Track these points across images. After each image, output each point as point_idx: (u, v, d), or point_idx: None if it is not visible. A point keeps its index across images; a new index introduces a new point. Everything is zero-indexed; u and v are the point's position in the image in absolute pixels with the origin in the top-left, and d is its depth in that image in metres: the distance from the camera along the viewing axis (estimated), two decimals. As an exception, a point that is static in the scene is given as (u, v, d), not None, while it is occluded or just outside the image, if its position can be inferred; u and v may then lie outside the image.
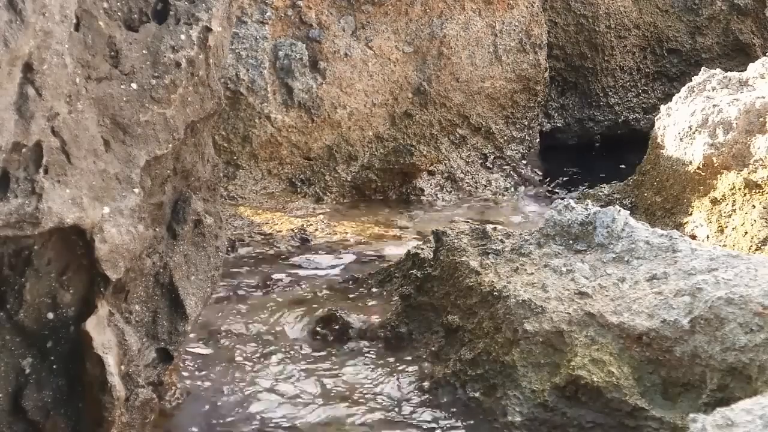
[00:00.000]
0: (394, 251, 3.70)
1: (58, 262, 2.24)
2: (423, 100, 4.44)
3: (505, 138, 4.62)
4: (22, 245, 2.19)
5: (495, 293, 2.65)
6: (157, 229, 2.41)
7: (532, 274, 2.68)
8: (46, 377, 2.27)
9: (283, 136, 4.23)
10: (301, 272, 3.55)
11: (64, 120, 2.14)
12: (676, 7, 5.14)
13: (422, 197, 4.28)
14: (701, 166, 3.66)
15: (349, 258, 3.68)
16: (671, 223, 3.71)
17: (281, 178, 4.25)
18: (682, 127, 3.74)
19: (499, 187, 4.52)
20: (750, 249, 3.45)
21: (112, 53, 2.25)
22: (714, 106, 3.65)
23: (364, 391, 2.78)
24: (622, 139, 5.04)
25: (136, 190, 2.27)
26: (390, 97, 4.39)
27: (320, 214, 4.09)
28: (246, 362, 2.94)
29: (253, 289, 3.41)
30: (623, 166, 4.45)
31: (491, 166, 4.58)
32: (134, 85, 2.27)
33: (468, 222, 3.97)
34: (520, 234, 2.85)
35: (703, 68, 3.96)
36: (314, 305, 3.24)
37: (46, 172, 2.11)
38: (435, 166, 4.35)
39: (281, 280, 3.48)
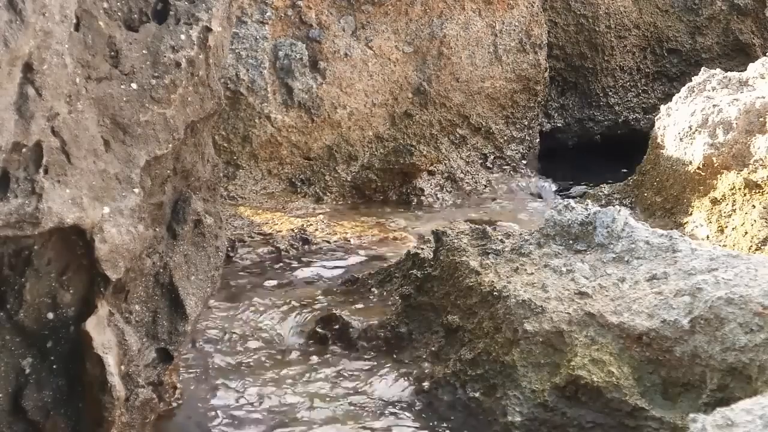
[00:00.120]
0: (394, 251, 3.70)
1: (58, 262, 2.24)
2: (423, 100, 4.44)
3: (505, 138, 4.62)
4: (22, 245, 2.19)
5: (495, 293, 2.65)
6: (157, 229, 2.41)
7: (532, 274, 2.68)
8: (46, 377, 2.27)
9: (283, 136, 4.23)
10: (301, 272, 3.55)
11: (64, 120, 2.14)
12: (676, 7, 5.14)
13: (422, 197, 4.28)
14: (701, 166, 3.66)
15: (348, 258, 3.68)
16: (671, 223, 3.72)
17: (281, 178, 4.25)
18: (682, 127, 3.74)
19: (499, 187, 4.52)
20: (750, 249, 3.45)
21: (112, 53, 2.25)
22: (714, 106, 3.65)
23: (364, 392, 2.78)
24: (622, 139, 5.05)
25: (136, 190, 2.27)
26: (390, 97, 4.39)
27: (320, 214, 4.09)
28: (246, 363, 2.94)
29: (253, 290, 3.41)
30: (623, 166, 4.45)
31: (491, 166, 4.58)
32: (134, 85, 2.27)
33: (468, 222, 3.97)
34: (520, 234, 2.86)
35: (703, 68, 3.96)
36: (314, 305, 3.24)
37: (46, 172, 2.11)
38: (435, 166, 4.35)
39: (281, 280, 3.49)
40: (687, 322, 2.40)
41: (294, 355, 2.97)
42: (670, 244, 2.65)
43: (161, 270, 2.44)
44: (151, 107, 2.29)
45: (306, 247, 3.70)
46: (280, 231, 3.82)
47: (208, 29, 2.37)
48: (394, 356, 2.87)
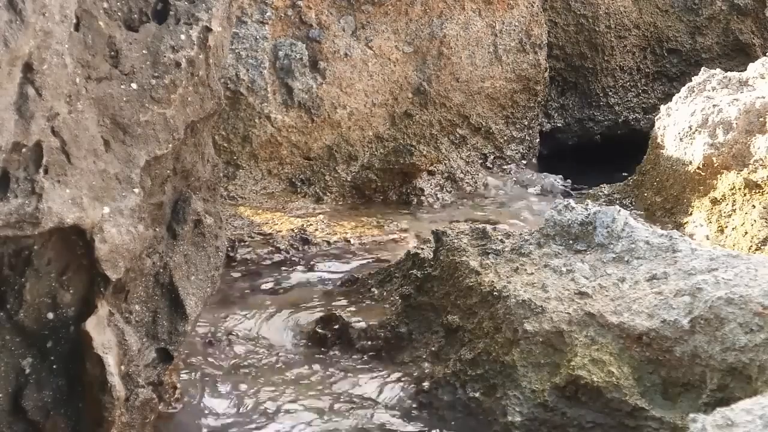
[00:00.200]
0: (394, 251, 3.70)
1: (58, 262, 2.24)
2: (423, 100, 4.44)
3: (505, 138, 4.62)
4: (22, 245, 2.19)
5: (495, 293, 2.65)
6: (157, 229, 2.41)
7: (532, 274, 2.67)
8: (46, 377, 2.27)
9: (283, 136, 4.23)
10: (301, 272, 3.55)
11: (64, 120, 2.14)
12: (676, 7, 5.14)
13: (422, 197, 4.28)
14: (701, 166, 3.66)
15: (348, 258, 3.68)
16: (671, 223, 3.72)
17: (281, 178, 4.25)
18: (682, 127, 3.74)
19: (499, 187, 4.52)
20: (750, 249, 3.45)
21: (112, 53, 2.25)
22: (714, 106, 3.65)
23: (364, 393, 2.78)
24: (622, 139, 5.05)
25: (136, 190, 2.27)
26: (390, 97, 4.39)
27: (320, 214, 4.09)
28: (246, 363, 2.94)
29: (253, 290, 3.41)
30: (623, 166, 4.45)
31: (491, 166, 4.58)
32: (134, 85, 2.27)
33: (468, 222, 3.97)
34: (520, 234, 2.85)
35: (703, 68, 3.97)
36: (314, 305, 3.24)
37: (46, 172, 2.11)
38: (435, 166, 4.35)
39: (280, 280, 3.48)
40: (687, 322, 2.40)
41: (294, 355, 2.97)
42: (670, 244, 2.65)
43: (161, 270, 2.44)
44: (151, 107, 2.29)
45: (306, 247, 3.70)
46: (280, 231, 3.82)
47: (208, 29, 2.37)
48: (394, 356, 2.87)
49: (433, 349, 2.81)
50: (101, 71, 2.23)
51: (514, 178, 4.57)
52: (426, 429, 2.64)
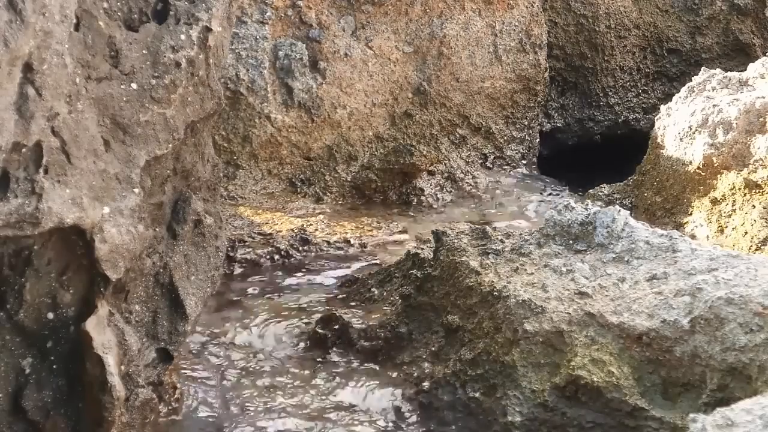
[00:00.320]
0: (394, 251, 3.70)
1: (58, 262, 2.24)
2: (423, 100, 4.44)
3: (505, 138, 4.62)
4: (22, 245, 2.19)
5: (495, 293, 2.65)
6: (157, 229, 2.41)
7: (532, 274, 2.67)
8: (46, 377, 2.27)
9: (283, 136, 4.23)
10: (301, 272, 3.55)
11: (64, 120, 2.14)
12: (676, 7, 5.14)
13: (422, 197, 4.28)
14: (701, 166, 3.66)
15: (348, 258, 3.68)
16: (671, 223, 3.71)
17: (281, 178, 4.25)
18: (682, 127, 3.74)
19: (499, 187, 4.52)
20: (750, 249, 3.45)
21: (112, 53, 2.25)
22: (714, 106, 3.65)
23: (364, 393, 2.77)
24: (622, 139, 5.04)
25: (136, 190, 2.27)
26: (390, 97, 4.39)
27: (320, 214, 4.09)
28: (246, 363, 2.94)
29: (253, 290, 3.41)
30: (623, 166, 4.45)
31: (491, 166, 4.58)
32: (134, 85, 2.27)
33: (468, 222, 3.97)
34: (520, 234, 2.85)
35: (703, 68, 3.96)
36: (314, 305, 3.24)
37: (46, 172, 2.11)
38: (435, 166, 4.35)
39: (280, 280, 3.48)
40: (687, 322, 2.40)
41: (294, 355, 2.97)
42: (670, 244, 2.65)
43: (161, 270, 2.44)
44: (151, 107, 2.29)
45: (306, 247, 3.69)
46: (280, 231, 3.81)
47: (208, 29, 2.37)
48: (394, 356, 2.87)
49: (433, 349, 2.81)
50: (101, 71, 2.23)
51: (514, 178, 4.57)
52: (426, 429, 2.64)
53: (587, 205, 2.83)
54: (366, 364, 2.88)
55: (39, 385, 2.26)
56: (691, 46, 5.16)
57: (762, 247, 3.44)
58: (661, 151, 3.87)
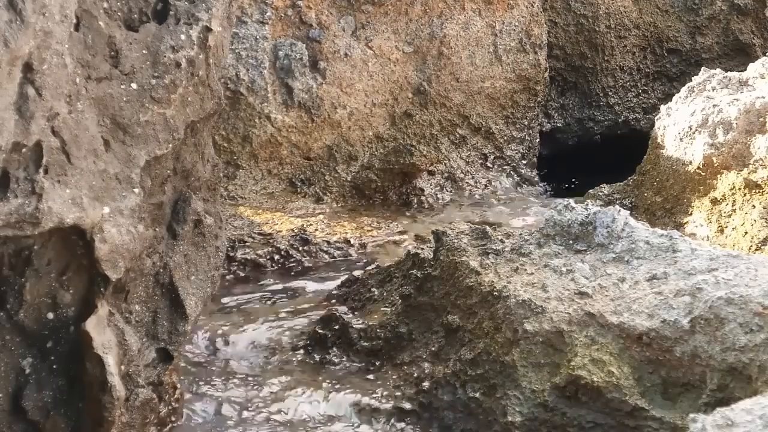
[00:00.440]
0: (394, 251, 3.70)
1: (58, 262, 2.24)
2: (423, 100, 4.44)
3: (505, 138, 4.62)
4: (22, 245, 2.19)
5: (495, 293, 2.65)
6: (157, 229, 2.41)
7: (532, 274, 2.67)
8: (46, 377, 2.27)
9: (283, 136, 4.23)
10: (301, 272, 3.55)
11: (64, 120, 2.14)
12: (676, 7, 5.14)
13: (422, 197, 4.28)
14: (701, 166, 3.66)
15: (348, 258, 3.68)
16: (671, 223, 3.71)
17: (281, 178, 4.25)
18: (682, 127, 3.74)
19: (499, 187, 4.52)
20: (750, 249, 3.45)
21: (112, 53, 2.25)
22: (714, 106, 3.65)
23: (364, 393, 2.77)
24: (622, 139, 5.04)
25: (136, 190, 2.27)
26: (390, 97, 4.39)
27: (320, 214, 4.09)
28: (246, 364, 2.94)
29: (253, 290, 3.41)
30: (623, 166, 4.45)
31: (491, 166, 4.58)
32: (134, 85, 2.27)
33: (468, 222, 3.97)
34: (520, 234, 2.85)
35: (703, 68, 3.96)
36: (314, 306, 3.24)
37: (46, 172, 2.11)
38: (435, 166, 4.35)
39: (281, 280, 3.48)
40: (687, 322, 2.40)
41: (294, 355, 2.96)
42: (670, 244, 2.65)
43: (161, 270, 2.44)
44: (151, 107, 2.29)
45: (306, 247, 3.69)
46: (280, 231, 3.81)
47: (208, 29, 2.37)
48: (394, 356, 2.87)
49: (433, 349, 2.81)
50: (101, 71, 2.23)
51: (514, 178, 4.57)
52: (426, 429, 2.64)
53: (587, 205, 2.83)
54: (366, 364, 2.88)
55: (39, 385, 2.26)
56: (691, 46, 5.16)
57: (762, 247, 3.44)
58: (661, 151, 3.87)
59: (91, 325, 2.25)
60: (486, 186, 4.50)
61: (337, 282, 3.39)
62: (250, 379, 2.86)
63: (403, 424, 2.67)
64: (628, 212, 2.78)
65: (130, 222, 2.26)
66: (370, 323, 2.98)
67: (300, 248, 3.68)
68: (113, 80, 2.25)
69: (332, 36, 4.27)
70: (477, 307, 2.71)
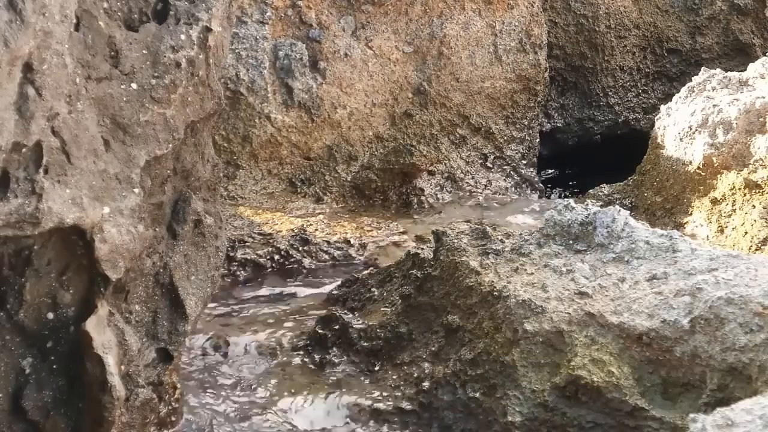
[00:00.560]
0: (394, 251, 3.70)
1: (58, 262, 2.24)
2: (423, 100, 4.44)
3: (505, 138, 4.62)
4: (22, 245, 2.19)
5: (495, 293, 2.65)
6: (157, 229, 2.41)
7: (532, 274, 2.67)
8: (46, 377, 2.27)
9: (283, 136, 4.23)
10: (301, 272, 3.55)
11: (64, 120, 2.14)
12: (676, 7, 5.14)
13: (422, 197, 4.28)
14: (701, 166, 3.66)
15: (348, 258, 3.68)
16: (671, 223, 3.71)
17: (281, 178, 4.25)
18: (682, 127, 3.74)
19: (499, 187, 4.52)
20: (750, 249, 3.45)
21: (112, 53, 2.25)
22: (714, 106, 3.65)
23: (364, 393, 2.78)
24: (622, 139, 5.04)
25: (136, 190, 2.27)
26: (390, 97, 4.39)
27: (320, 214, 4.09)
28: (246, 364, 2.94)
29: (253, 290, 3.41)
30: (623, 166, 4.45)
31: (491, 166, 4.58)
32: (134, 85, 2.27)
33: (468, 222, 3.97)
34: (520, 234, 2.85)
35: (703, 68, 3.96)
36: (314, 306, 3.24)
37: (46, 172, 2.11)
38: (435, 166, 4.35)
39: (281, 280, 3.48)
40: (687, 322, 2.40)
41: (294, 356, 2.96)
42: (670, 244, 2.65)
43: (161, 270, 2.44)
44: (151, 107, 2.29)
45: (306, 247, 3.69)
46: (280, 231, 3.81)
47: (208, 29, 2.37)
48: (394, 356, 2.87)
49: (433, 349, 2.81)
50: (101, 71, 2.23)
51: (513, 180, 4.57)
52: (426, 429, 2.64)
53: (587, 205, 2.83)
54: (366, 364, 2.88)
55: (39, 385, 2.26)
56: (691, 46, 5.16)
57: (762, 247, 3.44)
58: (661, 151, 3.87)
59: (91, 325, 2.25)
60: (486, 186, 4.50)
61: (337, 282, 3.39)
62: (250, 379, 2.86)
63: (403, 425, 2.67)
64: (628, 212, 2.78)
65: (130, 222, 2.26)
66: (370, 323, 2.98)
67: (300, 248, 3.68)
68: (113, 80, 2.24)
69: (332, 36, 4.27)
70: (477, 307, 2.71)
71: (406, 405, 2.71)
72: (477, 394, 2.62)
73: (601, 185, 4.13)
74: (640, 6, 5.11)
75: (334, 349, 2.95)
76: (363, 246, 3.77)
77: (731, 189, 3.59)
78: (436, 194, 4.33)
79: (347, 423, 2.69)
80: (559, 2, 5.01)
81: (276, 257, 3.62)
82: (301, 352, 2.97)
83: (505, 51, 4.57)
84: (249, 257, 3.59)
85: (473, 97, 4.52)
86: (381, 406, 2.72)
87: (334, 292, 3.28)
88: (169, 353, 2.46)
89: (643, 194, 3.96)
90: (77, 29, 2.19)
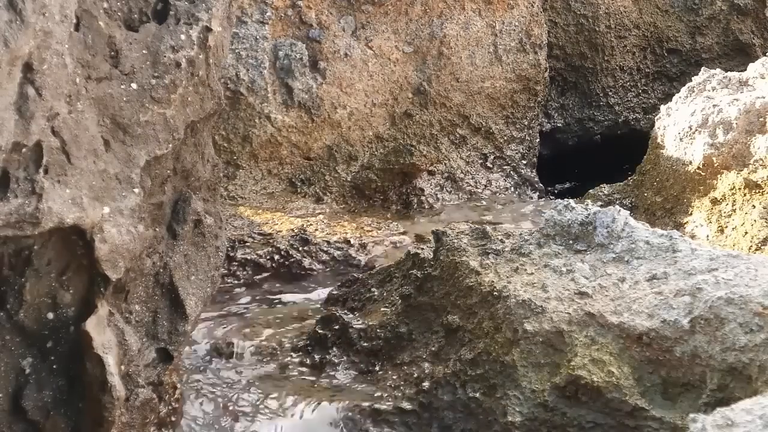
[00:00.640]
0: (394, 251, 3.70)
1: (58, 262, 2.24)
2: (423, 100, 4.44)
3: (505, 138, 4.62)
4: (22, 245, 2.19)
5: (495, 293, 2.65)
6: (157, 229, 2.41)
7: (532, 274, 2.67)
8: (46, 377, 2.27)
9: (283, 136, 4.23)
10: (301, 272, 3.55)
11: (64, 120, 2.14)
12: (676, 7, 5.14)
13: (422, 197, 4.28)
14: (701, 166, 3.66)
15: (348, 258, 3.68)
16: (671, 223, 3.72)
17: (281, 178, 4.25)
18: (682, 127, 3.74)
19: (499, 187, 4.52)
20: (750, 249, 3.45)
21: (112, 53, 2.25)
22: (714, 106, 3.65)
23: (364, 393, 2.78)
24: (622, 139, 5.04)
25: (136, 190, 2.27)
26: (390, 97, 4.39)
27: (320, 214, 4.09)
28: (246, 363, 2.94)
29: (253, 290, 3.41)
30: (623, 166, 4.45)
31: (491, 166, 4.58)
32: (134, 85, 2.27)
33: (468, 222, 3.97)
34: (520, 234, 2.85)
35: (703, 68, 3.96)
36: (314, 306, 3.24)
37: (46, 172, 2.11)
38: (435, 166, 4.35)
39: (280, 280, 3.48)
40: (687, 322, 2.40)
41: (294, 356, 2.96)
42: (670, 244, 2.65)
43: (161, 270, 2.44)
44: (151, 107, 2.29)
45: (306, 247, 3.70)
46: (280, 231, 3.81)
47: (208, 29, 2.37)
48: (394, 356, 2.87)
49: (433, 349, 2.81)
50: (101, 71, 2.23)
51: (513, 180, 4.57)
52: (426, 429, 2.64)
53: (587, 205, 2.83)
54: (366, 365, 2.88)
55: (39, 385, 2.26)
56: (691, 46, 5.16)
57: (762, 247, 3.44)
58: (661, 151, 3.87)
59: (91, 325, 2.25)
60: (486, 186, 4.50)
61: (337, 282, 3.39)
62: (250, 379, 2.86)
63: (403, 425, 2.67)
64: (628, 212, 2.78)
65: (130, 222, 2.26)
66: (370, 323, 2.97)
67: (300, 248, 3.68)
68: (113, 80, 2.24)
69: (332, 36, 4.27)
70: (477, 307, 2.71)
71: (406, 405, 2.71)
72: (477, 394, 2.62)
73: (601, 185, 4.13)
74: (640, 6, 5.12)
75: (334, 349, 2.95)
76: (363, 246, 3.77)
77: (731, 189, 3.59)
78: (436, 194, 4.33)
79: (347, 423, 2.69)
80: (559, 2, 5.02)
81: (276, 257, 3.62)
82: (301, 353, 2.97)
83: (505, 51, 4.57)
84: (249, 257, 3.60)
85: (473, 97, 4.52)
86: (381, 406, 2.72)
87: (334, 292, 3.28)
88: (169, 353, 2.46)
89: (643, 194, 3.96)
90: (77, 29, 2.19)
